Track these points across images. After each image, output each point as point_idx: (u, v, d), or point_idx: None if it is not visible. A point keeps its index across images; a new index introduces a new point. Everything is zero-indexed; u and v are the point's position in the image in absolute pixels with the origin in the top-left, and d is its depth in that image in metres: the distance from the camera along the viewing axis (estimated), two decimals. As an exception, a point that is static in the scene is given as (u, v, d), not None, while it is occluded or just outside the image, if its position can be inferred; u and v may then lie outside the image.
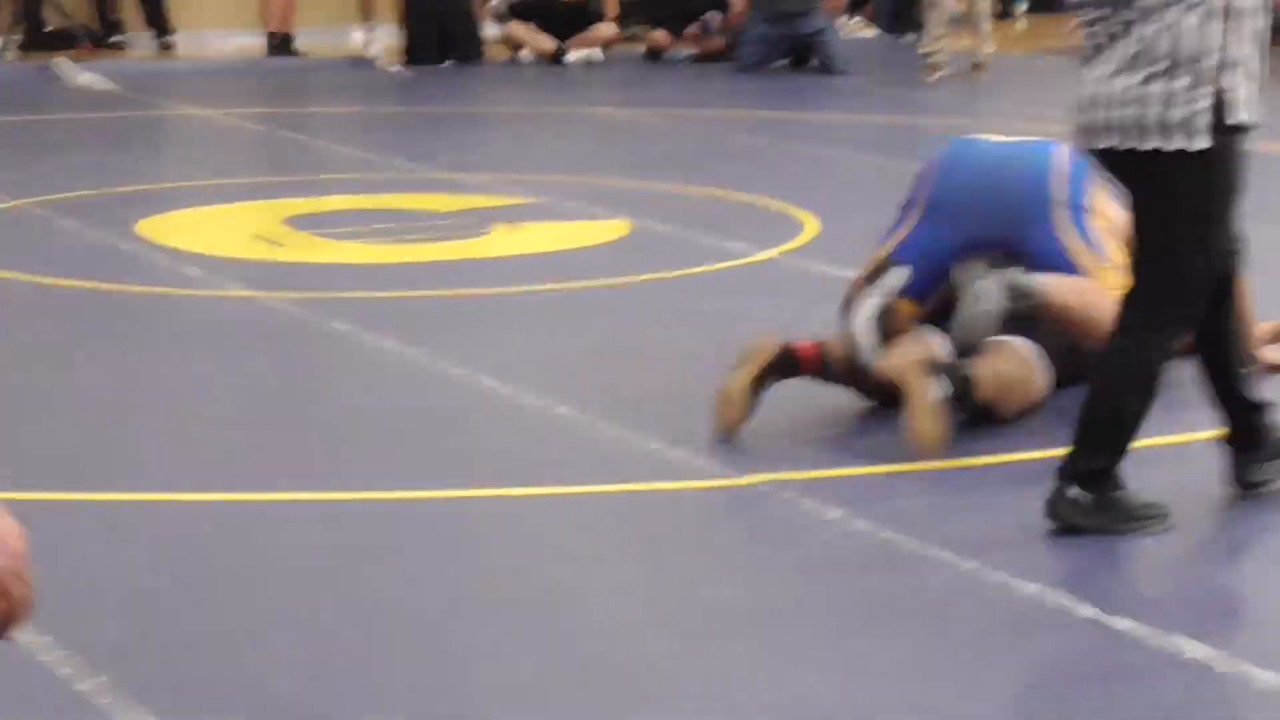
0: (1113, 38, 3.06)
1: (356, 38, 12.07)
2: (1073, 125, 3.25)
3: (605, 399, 4.53)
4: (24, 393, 4.74)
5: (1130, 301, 3.08)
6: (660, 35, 11.66)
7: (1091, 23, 3.11)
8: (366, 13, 11.91)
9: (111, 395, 4.81)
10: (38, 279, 6.06)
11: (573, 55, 11.38)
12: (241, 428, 4.49)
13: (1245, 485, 3.22)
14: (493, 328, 5.53)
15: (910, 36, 11.98)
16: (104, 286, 6.03)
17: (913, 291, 4.05)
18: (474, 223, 7.17)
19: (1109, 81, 3.05)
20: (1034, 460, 3.61)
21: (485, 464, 4.05)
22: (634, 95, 10.92)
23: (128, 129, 9.79)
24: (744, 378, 3.91)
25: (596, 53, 11.51)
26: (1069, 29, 12.77)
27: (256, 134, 9.82)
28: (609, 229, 7.01)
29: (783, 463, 3.87)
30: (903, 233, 4.09)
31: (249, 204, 7.64)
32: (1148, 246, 3.10)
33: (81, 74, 10.81)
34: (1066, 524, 3.08)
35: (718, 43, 11.49)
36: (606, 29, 11.70)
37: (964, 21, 10.82)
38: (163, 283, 6.02)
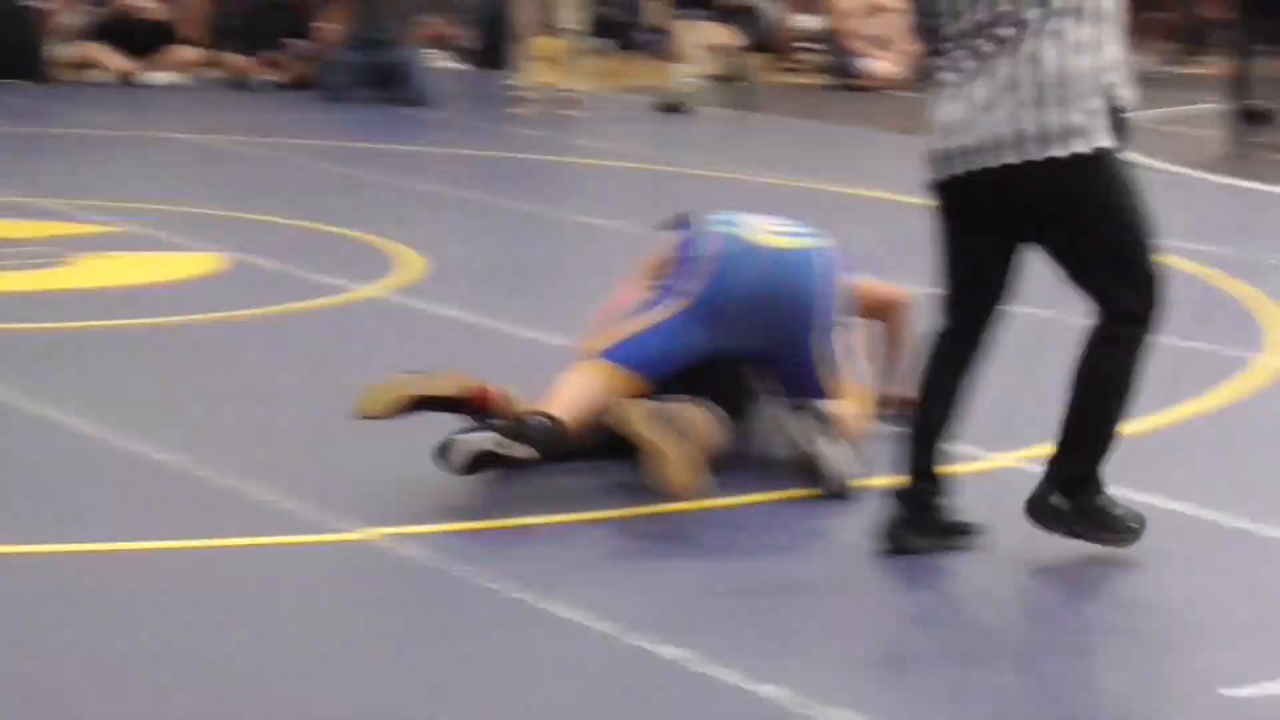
0: (986, 61, 3.08)
1: None
2: (940, 150, 3.20)
3: (208, 443, 4.27)
4: None
5: (1110, 314, 3.05)
6: (244, 60, 11.60)
7: (958, 50, 3.13)
8: None
9: None
10: None
11: (152, 76, 11.31)
12: None
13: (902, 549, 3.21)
14: (82, 365, 5.22)
15: (500, 71, 12.33)
16: None
17: (649, 372, 4.02)
18: (54, 251, 6.88)
19: (993, 101, 3.07)
20: (674, 513, 3.58)
21: (74, 516, 3.70)
22: (218, 121, 10.59)
23: None
24: (416, 390, 3.84)
25: (177, 76, 11.43)
26: (641, 68, 13.30)
27: None
28: (202, 261, 6.76)
29: (402, 516, 3.69)
30: (661, 315, 4.03)
31: None
32: (1095, 261, 3.12)
33: None
34: (1048, 528, 3.10)
35: (304, 69, 11.44)
36: (188, 52, 11.58)
37: (552, 59, 11.09)
38: None
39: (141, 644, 2.88)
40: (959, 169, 3.17)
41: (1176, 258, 4.92)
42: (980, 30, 3.06)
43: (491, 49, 13.19)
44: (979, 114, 3.11)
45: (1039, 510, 3.06)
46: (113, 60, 11.27)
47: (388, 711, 2.65)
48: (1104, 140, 2.97)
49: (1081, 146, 2.97)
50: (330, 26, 11.59)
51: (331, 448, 4.38)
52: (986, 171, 3.13)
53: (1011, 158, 3.05)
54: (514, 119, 10.89)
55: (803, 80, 14.02)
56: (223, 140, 10.06)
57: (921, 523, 3.12)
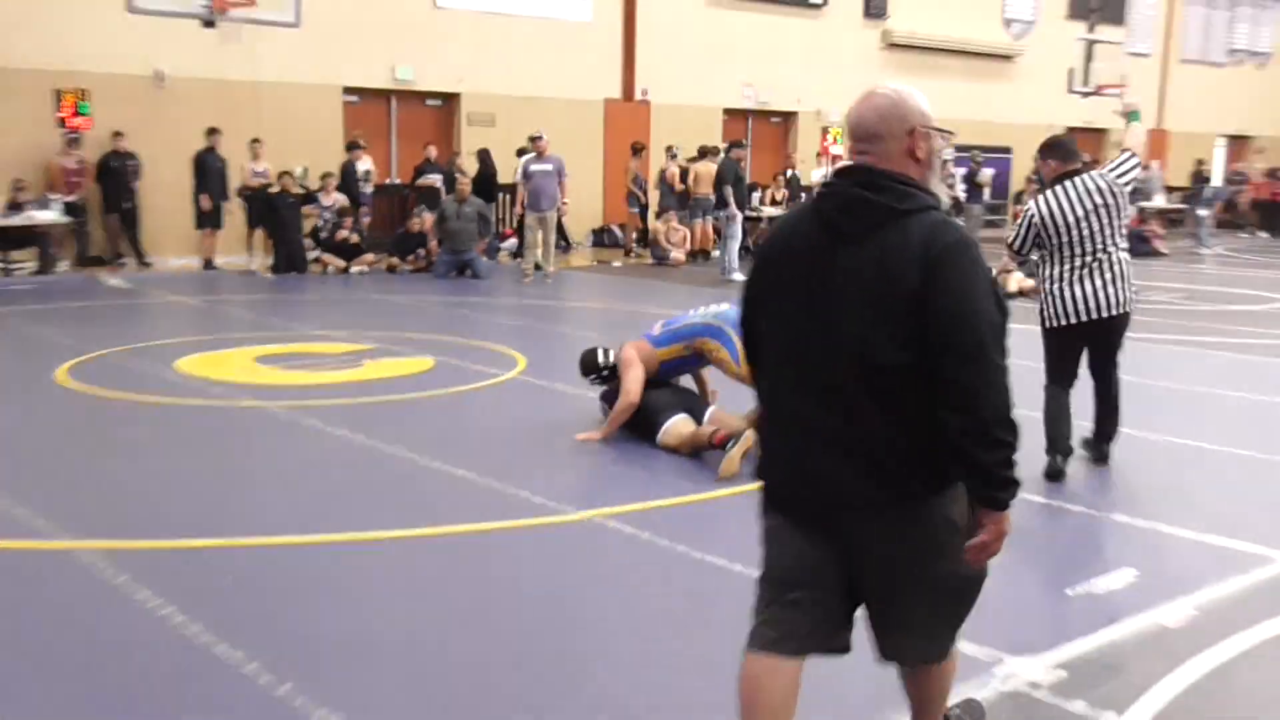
0: (1099, 262, 5.81)
1: (246, 260, 16.12)
2: (1089, 314, 5.86)
3: (478, 463, 5.98)
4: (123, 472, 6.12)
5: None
6: (395, 260, 16.27)
7: (1079, 257, 5.83)
8: (250, 246, 16.06)
9: (161, 471, 6.09)
10: (129, 396, 7.70)
11: (354, 269, 15.75)
12: (287, 488, 5.87)
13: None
14: (392, 420, 7.12)
15: (518, 260, 16.25)
16: (166, 400, 7.65)
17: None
18: (351, 359, 9.00)
19: (1111, 286, 5.84)
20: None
21: (416, 509, 5.34)
22: (392, 288, 14.19)
23: (146, 309, 12.49)
24: (738, 454, 5.74)
25: (365, 268, 15.91)
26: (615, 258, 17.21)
27: (208, 309, 12.59)
28: (424, 363, 8.94)
29: (602, 501, 5.36)
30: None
31: (227, 351, 9.43)
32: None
33: (112, 280, 14.43)
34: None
35: (422, 265, 16.13)
36: (369, 256, 16.19)
37: (545, 247, 14.88)
38: (203, 396, 7.69)
39: (468, 581, 4.56)
40: (1094, 316, 5.82)
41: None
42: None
43: (512, 255, 17.46)
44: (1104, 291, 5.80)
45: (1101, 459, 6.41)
46: (335, 262, 15.70)
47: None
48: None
49: (1130, 307, 5.85)
50: (434, 244, 15.97)
51: (547, 457, 6.39)
52: (1110, 317, 5.81)
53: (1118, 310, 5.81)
54: (522, 284, 14.69)
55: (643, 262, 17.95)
56: (400, 299, 13.27)
57: None
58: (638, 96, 20.91)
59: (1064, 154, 6.11)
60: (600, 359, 6.83)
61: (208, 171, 15.30)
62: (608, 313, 12.95)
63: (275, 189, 15.31)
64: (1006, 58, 26.36)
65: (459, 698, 3.65)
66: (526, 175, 15.12)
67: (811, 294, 2.66)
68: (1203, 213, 23.09)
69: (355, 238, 16.02)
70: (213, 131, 15.31)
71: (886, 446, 2.60)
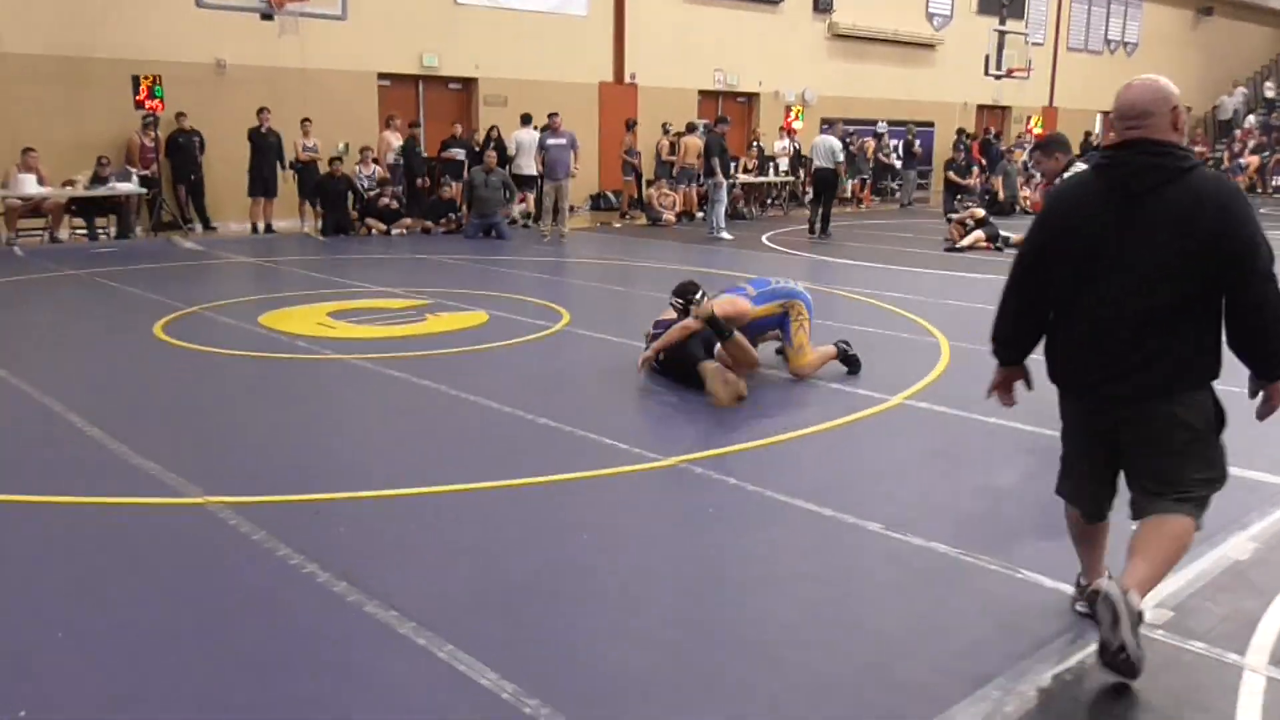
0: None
1: (299, 223, 15.60)
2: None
3: (558, 413, 5.40)
4: (234, 421, 5.44)
5: None
6: (429, 224, 15.58)
7: None
8: (301, 211, 15.55)
9: (273, 422, 5.44)
10: (221, 351, 7.09)
11: (394, 232, 15.11)
12: (394, 439, 5.19)
13: None
14: (466, 369, 6.49)
15: (534, 224, 15.87)
16: (259, 354, 6.99)
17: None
18: (414, 314, 8.49)
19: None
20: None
21: (525, 457, 4.76)
22: (431, 248, 13.59)
23: (221, 269, 11.72)
24: (737, 382, 5.45)
25: (404, 231, 15.23)
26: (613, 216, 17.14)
27: (275, 268, 11.82)
28: (478, 316, 8.36)
29: (682, 446, 4.88)
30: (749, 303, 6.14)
31: (301, 307, 8.78)
32: None
33: (185, 243, 13.83)
34: None
35: (454, 226, 15.55)
36: (407, 220, 15.44)
37: (558, 212, 14.59)
38: (291, 351, 7.07)
39: (565, 527, 3.94)
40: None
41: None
42: None
43: (531, 218, 16.76)
44: None
45: None
46: (378, 225, 15.06)
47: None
48: None
49: None
50: (465, 210, 15.44)
51: (617, 404, 5.82)
52: None
53: None
54: (542, 242, 14.30)
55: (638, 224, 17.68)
56: (440, 258, 12.54)
57: None
58: (627, 80, 20.33)
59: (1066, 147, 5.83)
60: (697, 291, 6.05)
61: (263, 147, 14.66)
62: (622, 267, 12.49)
63: (325, 171, 14.79)
64: (929, 46, 25.86)
65: (611, 651, 3.13)
66: (543, 148, 14.68)
67: (1111, 241, 2.87)
68: (1096, 176, 22.38)
69: (395, 204, 15.32)
70: (261, 111, 14.65)
71: (1165, 354, 2.85)
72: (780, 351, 6.46)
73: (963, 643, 3.13)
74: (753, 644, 3.13)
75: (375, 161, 15.64)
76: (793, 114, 22.04)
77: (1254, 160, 25.86)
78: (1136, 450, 2.93)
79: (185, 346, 7.26)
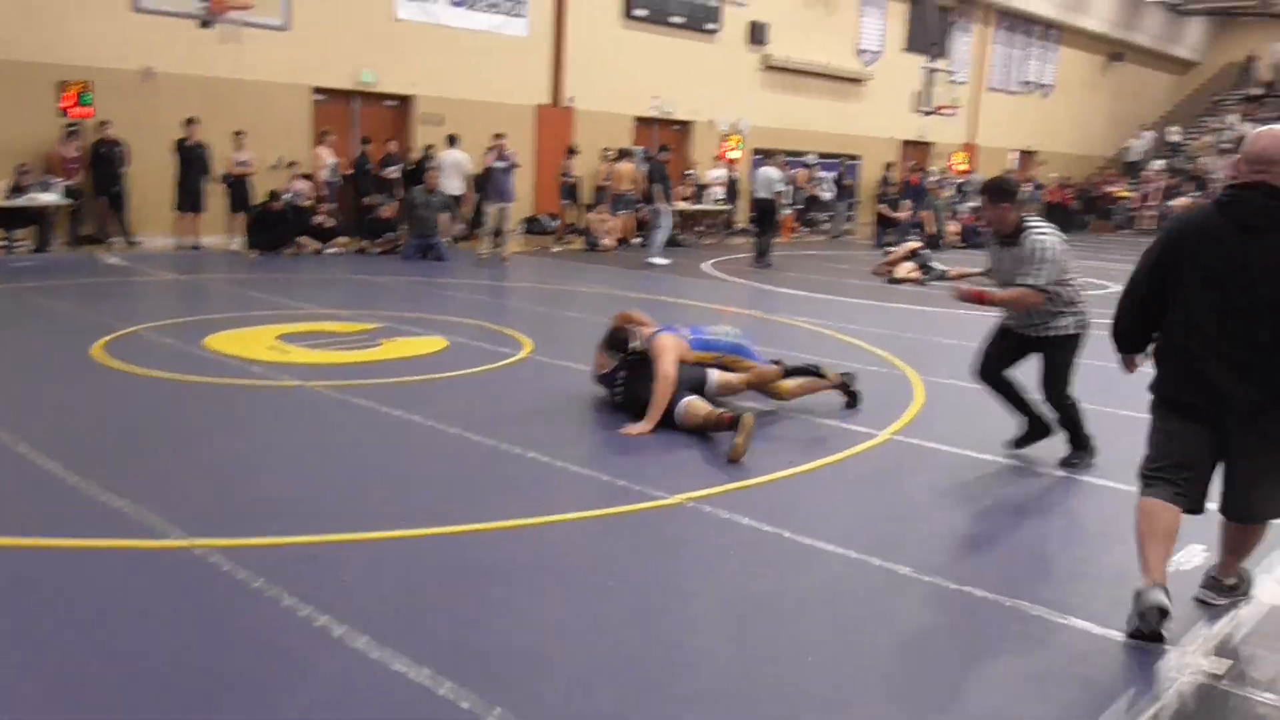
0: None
1: (227, 239, 15.04)
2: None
3: (530, 441, 5.30)
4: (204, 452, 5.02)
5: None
6: (366, 244, 15.34)
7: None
8: (231, 228, 14.98)
9: (246, 455, 5.03)
10: (172, 376, 6.62)
11: (328, 250, 14.75)
12: (378, 476, 4.79)
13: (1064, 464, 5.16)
14: (433, 399, 6.24)
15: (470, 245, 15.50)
16: (214, 380, 6.58)
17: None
18: (367, 338, 8.14)
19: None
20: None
21: (522, 497, 4.50)
22: (370, 269, 13.18)
23: (152, 286, 11.15)
24: (743, 441, 5.17)
25: (340, 249, 14.91)
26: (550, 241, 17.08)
27: (211, 286, 11.45)
28: (436, 342, 8.05)
29: (691, 485, 4.73)
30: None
31: (247, 329, 8.28)
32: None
33: (109, 258, 13.16)
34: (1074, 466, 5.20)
35: (390, 247, 15.19)
36: (343, 239, 15.16)
37: (498, 234, 14.71)
38: (246, 376, 6.68)
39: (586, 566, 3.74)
40: None
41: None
42: None
43: (466, 239, 16.60)
44: None
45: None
46: (312, 243, 14.67)
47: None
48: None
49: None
50: (403, 230, 15.02)
51: (603, 439, 5.58)
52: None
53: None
54: (479, 265, 14.17)
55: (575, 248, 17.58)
56: (383, 279, 12.29)
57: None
58: (565, 103, 20.09)
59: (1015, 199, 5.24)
60: (629, 341, 6.00)
61: (189, 159, 14.10)
62: (571, 293, 12.29)
63: (262, 202, 14.51)
64: (859, 81, 26.25)
65: (632, 692, 3.00)
66: (488, 170, 14.58)
67: (1229, 271, 3.27)
68: (1021, 213, 22.96)
69: (330, 222, 14.97)
70: (190, 121, 14.07)
71: (1267, 376, 3.27)
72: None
73: (1035, 697, 3.10)
74: (819, 697, 3.03)
75: (307, 178, 15.23)
76: (730, 143, 22.06)
77: (1183, 201, 26.83)
78: (1237, 459, 3.39)
79: (132, 371, 6.85)
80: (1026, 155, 32.74)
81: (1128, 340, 3.76)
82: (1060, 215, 27.97)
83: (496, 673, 3.03)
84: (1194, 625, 3.53)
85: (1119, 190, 30.99)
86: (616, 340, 6.01)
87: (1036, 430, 5.46)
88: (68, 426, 5.57)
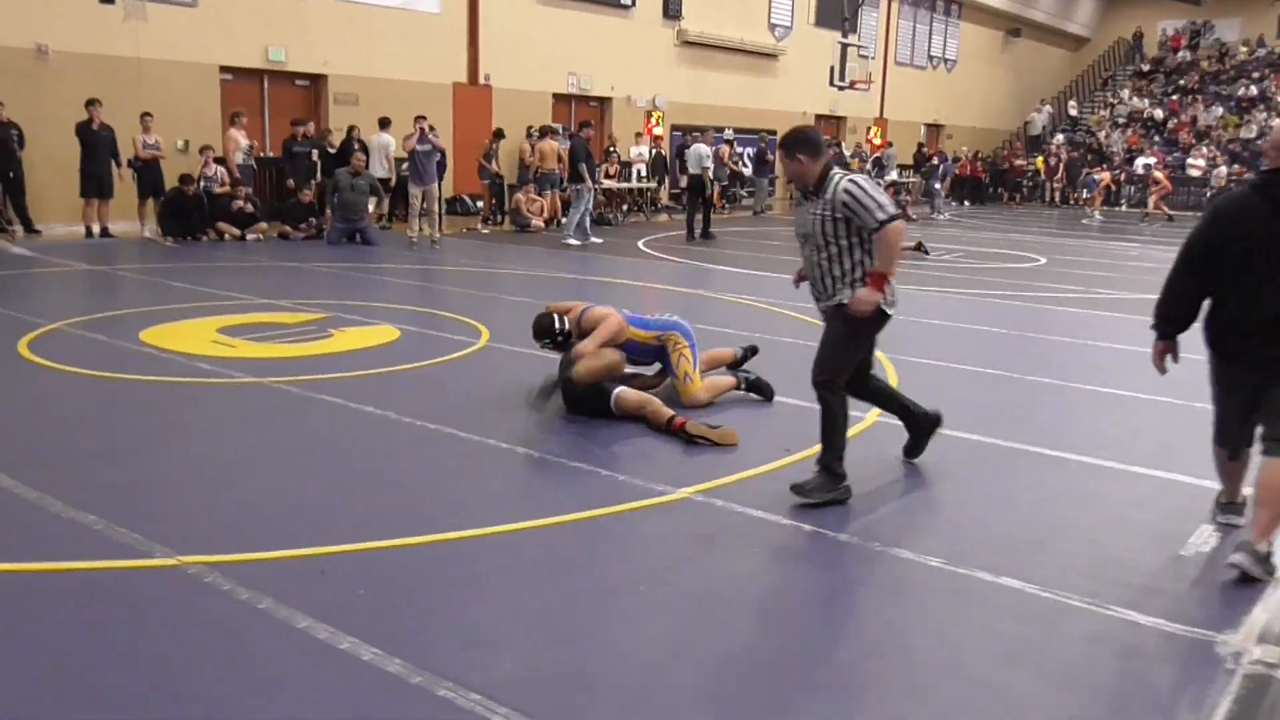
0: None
1: (138, 226, 14.48)
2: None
3: (505, 432, 5.15)
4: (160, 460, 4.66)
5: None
6: (287, 229, 14.87)
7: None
8: (141, 214, 14.47)
9: (219, 460, 4.69)
10: (114, 375, 6.20)
11: (249, 237, 14.34)
12: (362, 476, 4.49)
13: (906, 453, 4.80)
14: (417, 394, 5.98)
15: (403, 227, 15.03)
16: (161, 379, 6.16)
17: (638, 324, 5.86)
18: (315, 329, 7.83)
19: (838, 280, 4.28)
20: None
21: (523, 494, 4.32)
22: (296, 255, 12.93)
23: (68, 278, 10.53)
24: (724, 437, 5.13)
25: (260, 236, 14.45)
26: (474, 221, 16.66)
27: (130, 276, 10.76)
28: (388, 332, 7.76)
29: (690, 477, 4.58)
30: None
31: (183, 322, 7.89)
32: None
33: (11, 248, 12.51)
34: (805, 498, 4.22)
35: (313, 232, 14.81)
36: (263, 225, 14.67)
37: (428, 215, 14.12)
38: (196, 374, 6.33)
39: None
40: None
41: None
42: None
43: (392, 218, 16.70)
44: None
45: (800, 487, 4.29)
46: (230, 230, 14.15)
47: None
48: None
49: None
50: (329, 214, 14.75)
51: (586, 431, 5.26)
52: None
53: None
54: (411, 249, 13.79)
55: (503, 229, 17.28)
56: (313, 266, 11.87)
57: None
58: (481, 81, 19.75)
59: (817, 148, 4.39)
60: (556, 324, 5.79)
61: (94, 143, 13.38)
62: (510, 276, 11.97)
63: (174, 188, 13.89)
64: (772, 56, 26.36)
65: (665, 705, 2.79)
66: (411, 154, 14.04)
67: (1262, 246, 3.73)
68: (937, 185, 23.61)
69: (250, 207, 14.40)
70: (91, 103, 13.31)
71: None
72: (673, 384, 6.06)
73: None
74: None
75: (219, 161, 14.76)
76: (654, 120, 21.91)
77: (1106, 176, 27.52)
78: (1271, 399, 3.73)
79: (68, 370, 6.44)
80: (933, 129, 33.22)
81: (1173, 324, 3.97)
82: (972, 188, 28.54)
83: (535, 694, 2.86)
84: (1231, 609, 3.54)
85: (1026, 164, 31.65)
86: (542, 329, 5.82)
87: (921, 426, 4.89)
88: (11, 435, 5.14)
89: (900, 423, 4.84)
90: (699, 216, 16.80)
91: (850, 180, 4.23)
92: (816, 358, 4.31)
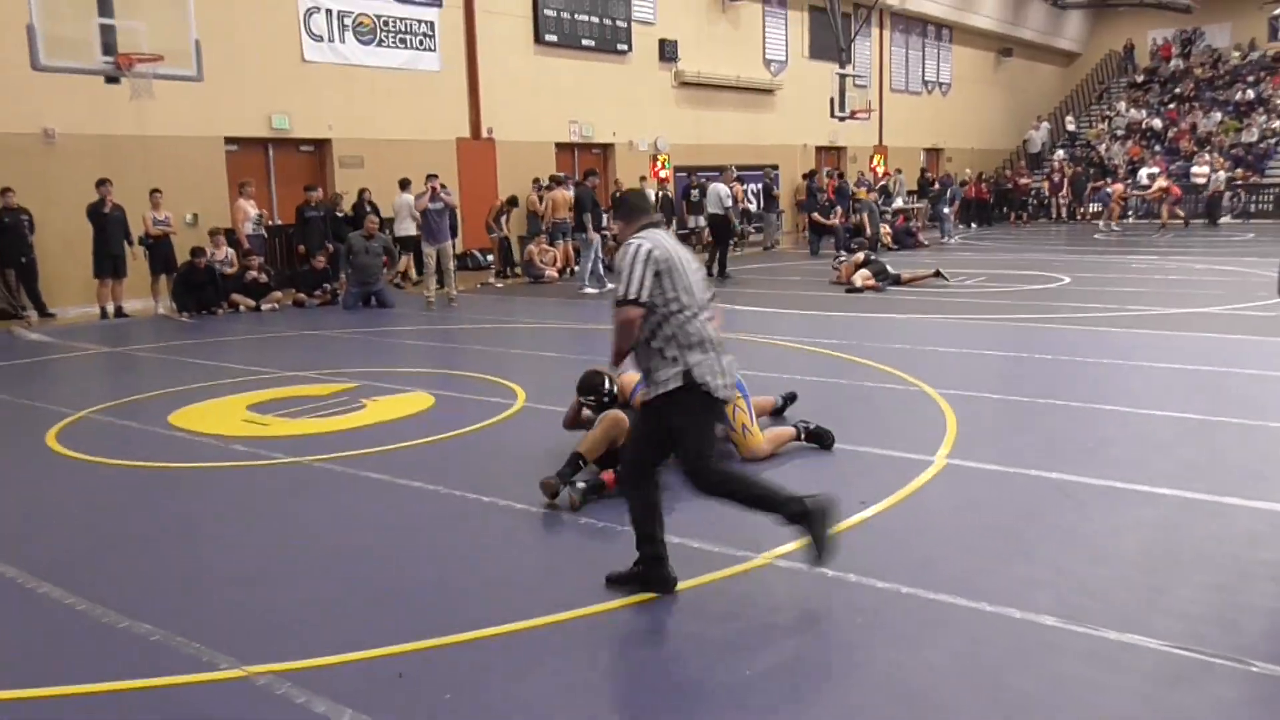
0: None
1: (152, 304, 14.33)
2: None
3: (598, 510, 4.87)
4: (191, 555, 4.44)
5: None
6: (302, 297, 14.80)
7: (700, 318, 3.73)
8: (155, 291, 14.30)
9: (270, 552, 4.47)
10: (146, 464, 6.00)
11: (264, 307, 14.19)
12: (436, 560, 4.27)
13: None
14: (462, 465, 5.79)
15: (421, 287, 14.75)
16: (196, 465, 5.92)
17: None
18: (347, 400, 7.55)
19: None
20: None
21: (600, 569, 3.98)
22: (314, 323, 12.64)
23: (87, 362, 10.32)
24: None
25: (276, 306, 14.33)
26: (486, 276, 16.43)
27: (150, 357, 10.46)
28: (422, 399, 7.46)
29: (761, 540, 4.05)
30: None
31: (210, 401, 7.65)
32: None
33: (28, 334, 12.37)
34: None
35: (328, 298, 14.78)
36: (277, 294, 14.55)
37: (444, 273, 13.70)
38: (231, 458, 6.08)
39: None
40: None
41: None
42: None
43: (408, 281, 16.65)
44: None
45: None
46: (245, 301, 14.04)
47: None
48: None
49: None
50: (343, 280, 14.68)
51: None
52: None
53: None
54: (426, 309, 13.47)
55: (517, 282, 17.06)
56: (333, 333, 11.68)
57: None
58: (484, 135, 19.73)
59: (629, 212, 3.99)
60: (605, 385, 5.61)
61: (107, 224, 13.32)
62: (532, 330, 11.78)
63: (185, 262, 13.81)
64: (769, 91, 26.34)
65: None
66: (423, 213, 13.81)
67: None
68: (946, 210, 23.51)
69: (264, 277, 14.27)
70: (102, 183, 13.26)
71: None
72: (727, 439, 5.76)
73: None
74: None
75: (229, 234, 14.70)
76: (659, 162, 21.88)
77: (1119, 188, 27.37)
78: None
79: (99, 461, 6.20)
80: (932, 153, 33.21)
81: None
82: (978, 210, 28.42)
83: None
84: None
85: (1032, 182, 31.55)
86: (591, 385, 5.64)
87: (649, 572, 3.93)
88: (49, 538, 4.88)
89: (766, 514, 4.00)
90: (719, 255, 16.92)
91: (629, 244, 3.78)
92: (683, 463, 3.83)
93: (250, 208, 14.82)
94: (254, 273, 14.04)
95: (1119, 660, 3.34)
